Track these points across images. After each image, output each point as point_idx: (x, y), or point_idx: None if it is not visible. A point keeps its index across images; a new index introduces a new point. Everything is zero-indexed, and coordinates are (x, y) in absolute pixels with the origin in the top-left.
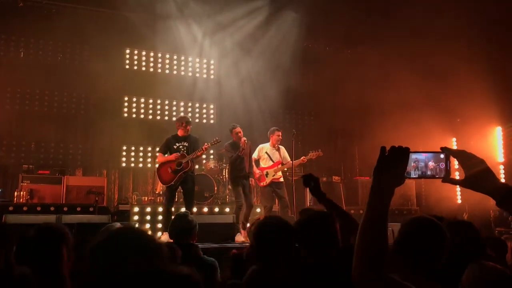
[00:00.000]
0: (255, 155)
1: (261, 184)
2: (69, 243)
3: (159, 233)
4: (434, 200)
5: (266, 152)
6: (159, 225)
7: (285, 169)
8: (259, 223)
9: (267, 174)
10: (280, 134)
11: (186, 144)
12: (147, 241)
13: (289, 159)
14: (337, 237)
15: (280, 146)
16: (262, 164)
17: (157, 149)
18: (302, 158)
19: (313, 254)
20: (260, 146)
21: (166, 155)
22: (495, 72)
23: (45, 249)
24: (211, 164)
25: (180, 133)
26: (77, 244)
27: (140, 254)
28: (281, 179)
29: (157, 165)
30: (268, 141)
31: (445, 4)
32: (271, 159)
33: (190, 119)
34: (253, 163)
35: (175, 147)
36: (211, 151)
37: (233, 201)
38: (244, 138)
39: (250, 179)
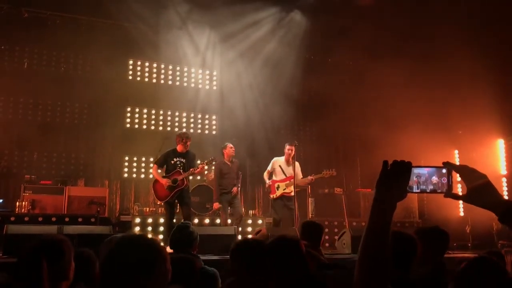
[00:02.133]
0: (269, 167)
1: (271, 196)
2: (64, 257)
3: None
4: (436, 213)
5: (280, 166)
6: (161, 236)
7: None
8: (234, 244)
9: (278, 187)
10: (291, 148)
11: (184, 161)
12: (154, 254)
13: (301, 176)
14: (305, 264)
15: (296, 162)
16: (275, 177)
17: (152, 159)
18: (310, 177)
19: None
20: (274, 159)
21: (161, 169)
22: (497, 85)
23: (26, 262)
24: (213, 175)
25: (179, 148)
26: (76, 255)
27: (145, 271)
28: (292, 194)
29: (143, 176)
30: (283, 154)
31: (447, 19)
32: (283, 173)
33: (190, 135)
34: (267, 175)
35: (172, 162)
36: (213, 162)
37: (233, 213)
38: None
39: (234, 188)
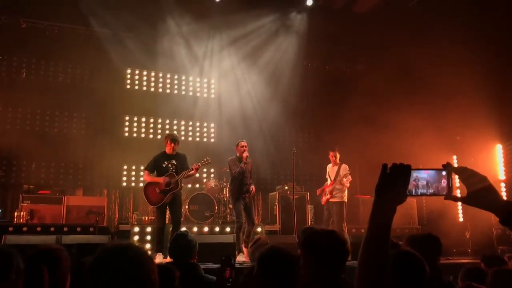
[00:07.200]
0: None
1: (322, 202)
2: (61, 266)
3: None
4: (435, 218)
5: (328, 172)
6: (148, 245)
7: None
8: (261, 255)
9: (326, 194)
10: (331, 154)
11: (175, 163)
12: (141, 264)
13: (346, 178)
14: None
15: (343, 165)
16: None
17: (142, 167)
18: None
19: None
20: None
21: (152, 174)
22: (495, 90)
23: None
24: (212, 183)
25: (168, 150)
26: (74, 265)
27: (133, 279)
28: (334, 199)
29: (141, 184)
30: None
31: (445, 22)
32: (330, 178)
33: (178, 138)
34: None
35: (163, 165)
36: (211, 170)
37: (233, 221)
38: (246, 154)
39: (251, 187)
